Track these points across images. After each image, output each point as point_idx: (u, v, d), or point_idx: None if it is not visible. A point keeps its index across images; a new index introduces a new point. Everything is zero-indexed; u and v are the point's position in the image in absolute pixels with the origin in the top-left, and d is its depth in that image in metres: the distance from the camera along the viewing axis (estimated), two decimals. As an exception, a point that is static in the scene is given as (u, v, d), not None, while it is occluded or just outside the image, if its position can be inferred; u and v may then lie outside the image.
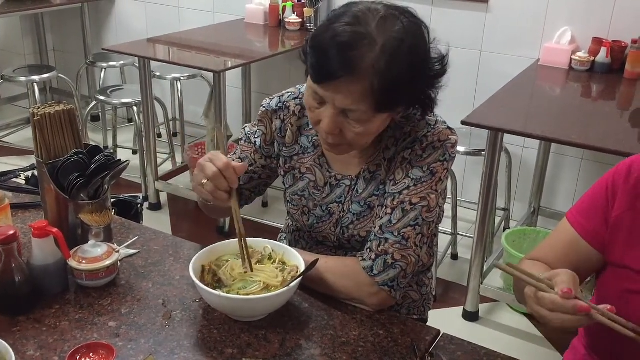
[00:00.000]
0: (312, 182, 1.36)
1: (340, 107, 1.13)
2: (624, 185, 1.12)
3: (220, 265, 1.23)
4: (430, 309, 1.51)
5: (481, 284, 2.60)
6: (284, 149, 1.38)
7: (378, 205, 1.28)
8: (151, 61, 3.24)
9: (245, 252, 1.22)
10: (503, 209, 3.26)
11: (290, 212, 1.42)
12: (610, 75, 2.85)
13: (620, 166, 1.15)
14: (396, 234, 1.22)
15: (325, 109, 1.15)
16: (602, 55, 2.84)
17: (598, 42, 2.89)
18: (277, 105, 1.38)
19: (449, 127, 1.27)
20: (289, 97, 1.37)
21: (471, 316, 2.64)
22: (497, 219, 3.20)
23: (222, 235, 3.17)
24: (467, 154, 2.93)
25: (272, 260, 1.26)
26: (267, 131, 1.39)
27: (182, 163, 3.81)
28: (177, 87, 3.96)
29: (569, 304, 0.92)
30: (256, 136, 1.40)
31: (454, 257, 3.10)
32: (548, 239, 1.27)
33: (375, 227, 1.25)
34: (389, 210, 1.24)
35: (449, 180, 3.13)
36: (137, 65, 3.30)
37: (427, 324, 1.24)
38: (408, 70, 1.10)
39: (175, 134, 4.26)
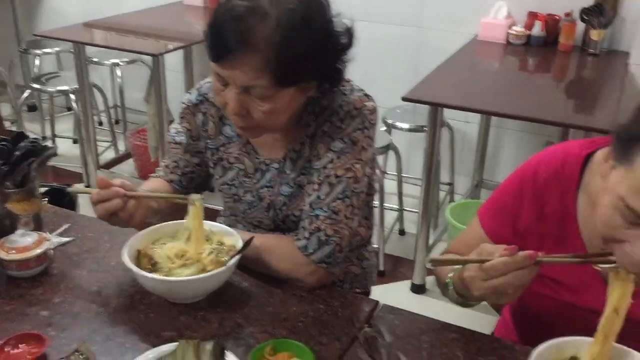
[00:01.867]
0: (242, 171, 1.34)
1: (241, 85, 1.11)
2: (531, 190, 1.10)
3: (157, 248, 1.21)
4: (373, 282, 1.52)
5: (427, 256, 2.64)
6: (208, 141, 1.36)
7: (307, 183, 1.28)
8: (89, 46, 3.14)
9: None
10: (447, 184, 3.33)
11: (223, 200, 1.41)
12: (546, 48, 2.92)
13: (526, 168, 1.12)
14: (326, 209, 1.22)
15: (228, 90, 1.13)
16: (537, 29, 2.91)
17: (533, 16, 2.95)
18: (197, 99, 1.35)
19: (365, 94, 1.26)
20: (207, 87, 1.35)
21: (419, 289, 2.69)
22: (442, 194, 3.27)
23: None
24: (409, 130, 2.96)
25: (210, 241, 1.24)
26: (191, 127, 1.37)
27: (124, 151, 3.73)
28: (116, 73, 3.85)
29: (519, 257, 0.92)
30: (181, 135, 1.38)
31: (402, 232, 3.15)
32: (463, 234, 1.26)
33: (305, 205, 1.25)
34: (316, 187, 1.23)
35: (381, 157, 3.17)
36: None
37: (375, 297, 1.25)
38: (307, 42, 1.08)
39: (117, 122, 4.15)
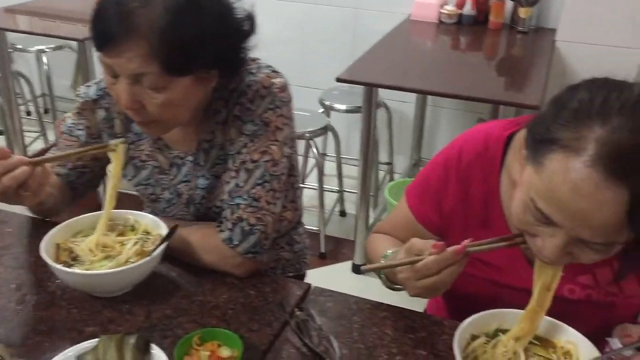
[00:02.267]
0: (157, 168, 1.29)
1: (130, 74, 1.04)
2: (455, 172, 1.10)
3: (77, 241, 1.17)
4: (307, 265, 1.52)
5: (367, 237, 2.66)
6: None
7: (223, 172, 1.24)
8: (11, 33, 2.99)
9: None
10: (387, 163, 3.35)
11: (142, 200, 1.36)
12: (477, 27, 2.96)
13: (450, 150, 1.12)
14: (246, 197, 1.18)
15: (119, 81, 1.06)
16: (468, 8, 2.95)
17: (464, -5, 2.99)
18: (96, 94, 1.28)
19: (273, 71, 1.22)
20: None
21: (359, 269, 2.71)
22: (382, 173, 3.29)
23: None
24: (347, 111, 2.96)
25: (135, 231, 1.20)
26: (90, 124, 1.29)
27: (54, 141, 3.58)
28: (43, 60, 3.68)
29: (448, 253, 0.92)
30: (79, 129, 1.30)
31: (342, 214, 3.16)
32: (393, 213, 1.25)
33: (225, 194, 1.21)
34: (233, 174, 1.19)
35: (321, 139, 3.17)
36: (-8, 37, 3.03)
37: (315, 279, 1.23)
38: (197, 28, 1.03)
39: (46, 111, 3.98)
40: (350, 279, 2.67)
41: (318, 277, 1.47)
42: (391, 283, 1.10)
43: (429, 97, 3.21)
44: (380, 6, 3.20)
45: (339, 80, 2.32)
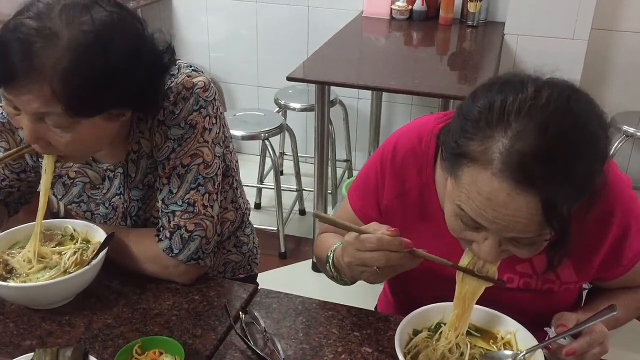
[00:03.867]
0: (88, 184, 1.25)
1: (32, 112, 0.99)
2: (390, 167, 1.11)
3: (14, 253, 1.13)
4: (257, 265, 1.50)
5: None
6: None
7: (155, 181, 1.21)
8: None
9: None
10: (345, 160, 3.36)
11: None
12: (428, 22, 2.99)
13: (386, 145, 1.12)
14: (180, 203, 1.15)
15: (22, 116, 1.01)
16: (419, 3, 2.97)
17: (414, -10, 3.01)
18: None
19: (194, 70, 1.18)
20: None
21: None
22: (340, 171, 3.30)
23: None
24: (303, 110, 2.96)
25: (74, 240, 1.18)
26: (10, 145, 1.23)
27: None
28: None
29: (396, 240, 0.93)
30: None
31: (302, 212, 3.15)
32: (337, 213, 1.26)
33: (159, 202, 1.18)
34: (165, 180, 1.16)
35: (283, 138, 3.15)
36: None
37: (275, 279, 1.21)
38: (103, 69, 0.97)
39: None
40: (311, 277, 2.66)
41: (278, 277, 1.46)
42: (335, 272, 1.10)
43: (384, 94, 3.23)
44: (333, 3, 3.20)
45: (289, 79, 2.31)
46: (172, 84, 1.14)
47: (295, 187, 3.08)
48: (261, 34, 3.39)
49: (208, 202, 1.17)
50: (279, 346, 1.02)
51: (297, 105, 2.94)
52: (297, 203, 3.13)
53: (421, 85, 2.32)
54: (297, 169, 3.03)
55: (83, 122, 1.01)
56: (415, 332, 0.99)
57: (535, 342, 0.95)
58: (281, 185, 2.82)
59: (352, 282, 1.13)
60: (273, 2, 3.29)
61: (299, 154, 3.03)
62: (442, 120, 1.09)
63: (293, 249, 2.87)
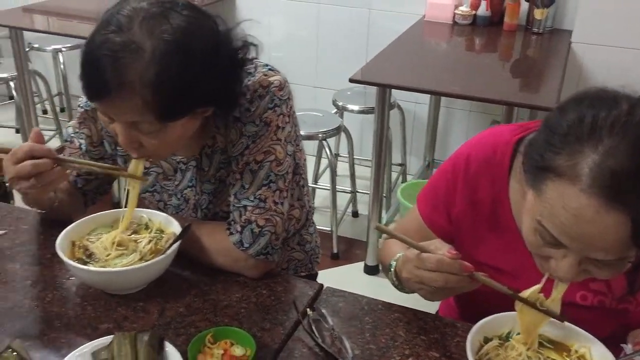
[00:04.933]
0: (161, 174, 1.29)
1: (125, 121, 1.04)
2: (463, 176, 1.10)
3: (93, 239, 1.18)
4: (318, 263, 1.52)
5: (380, 237, 2.67)
6: (118, 148, 1.28)
7: (227, 176, 1.23)
8: (29, 32, 3.02)
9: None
10: (400, 164, 3.35)
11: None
12: (491, 28, 2.95)
13: (459, 155, 1.12)
14: (252, 199, 1.17)
15: (115, 124, 1.05)
16: (483, 9, 2.94)
17: (478, -5, 2.98)
18: None
19: (270, 69, 1.20)
20: None
21: (372, 270, 2.71)
22: (395, 174, 3.29)
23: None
24: (360, 112, 2.97)
25: (149, 230, 1.21)
26: (91, 133, 1.29)
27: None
28: (60, 59, 3.72)
29: (456, 263, 0.93)
30: (80, 139, 1.30)
31: (355, 214, 3.16)
32: (405, 219, 1.25)
33: (231, 197, 1.21)
34: (237, 176, 1.18)
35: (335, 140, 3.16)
36: (10, 36, 3.06)
37: (328, 280, 1.23)
38: (187, 75, 1.00)
39: (62, 109, 4.02)
40: (363, 279, 2.67)
41: (330, 277, 1.47)
42: (397, 280, 1.10)
43: (443, 99, 3.21)
44: (394, 7, 3.19)
45: (352, 80, 2.32)
46: (249, 82, 1.17)
47: (349, 189, 3.09)
48: (321, 36, 3.41)
49: (279, 199, 1.19)
50: (347, 345, 1.03)
51: (355, 107, 2.95)
52: (351, 205, 3.13)
53: (482, 91, 2.29)
54: (352, 171, 3.04)
55: (171, 126, 1.06)
56: (486, 340, 0.98)
57: (611, 357, 0.92)
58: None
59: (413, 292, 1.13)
60: (334, 4, 3.31)
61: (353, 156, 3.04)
62: (518, 131, 1.08)
63: (345, 251, 2.88)
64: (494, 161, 1.08)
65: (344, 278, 2.64)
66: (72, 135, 1.32)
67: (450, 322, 1.11)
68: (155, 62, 0.97)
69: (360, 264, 2.74)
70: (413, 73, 2.52)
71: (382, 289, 1.24)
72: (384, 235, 1.26)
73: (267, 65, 1.22)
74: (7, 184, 1.57)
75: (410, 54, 2.74)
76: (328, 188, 2.89)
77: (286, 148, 1.20)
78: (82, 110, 1.29)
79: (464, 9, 2.96)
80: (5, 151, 1.10)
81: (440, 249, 0.95)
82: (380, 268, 2.63)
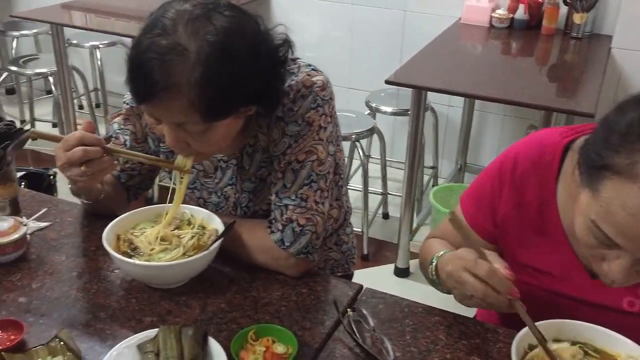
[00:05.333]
0: (201, 172, 1.30)
1: (172, 122, 1.06)
2: (510, 178, 1.09)
3: (137, 233, 1.20)
4: (354, 264, 1.52)
5: (411, 240, 2.66)
6: (161, 144, 1.30)
7: (268, 174, 1.24)
8: (67, 28, 3.08)
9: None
10: (431, 167, 3.33)
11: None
12: (529, 32, 2.92)
13: (506, 157, 1.11)
14: (294, 198, 1.18)
15: (163, 125, 1.08)
16: (521, 12, 2.90)
17: (516, -1, 2.94)
18: None
19: (313, 69, 1.20)
20: None
21: (402, 272, 2.70)
22: (426, 177, 3.27)
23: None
24: (394, 114, 2.96)
25: (191, 225, 1.23)
26: (136, 129, 1.31)
27: (105, 135, 3.68)
28: (97, 56, 3.79)
29: (507, 282, 0.93)
30: (125, 135, 1.32)
31: (385, 216, 3.15)
32: (445, 221, 1.23)
33: (272, 195, 1.21)
34: (279, 175, 1.19)
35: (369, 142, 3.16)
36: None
37: (358, 281, 1.24)
38: (231, 75, 1.02)
39: (98, 105, 4.09)
40: (394, 282, 2.66)
41: (361, 279, 1.47)
42: (435, 277, 1.09)
43: (477, 102, 3.18)
44: (430, 9, 3.18)
45: (388, 82, 2.31)
46: (293, 82, 1.17)
47: (380, 191, 3.08)
48: (355, 36, 3.41)
49: (320, 198, 1.20)
50: (388, 346, 1.03)
51: (389, 109, 2.94)
52: (381, 206, 3.12)
53: (518, 95, 2.27)
54: (383, 173, 3.03)
55: (216, 125, 1.07)
56: (531, 347, 0.97)
57: (660, 369, 0.91)
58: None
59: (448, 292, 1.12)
60: (369, 5, 3.30)
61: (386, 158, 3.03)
62: (568, 134, 1.06)
63: (375, 252, 2.88)
64: (542, 163, 1.07)
65: (374, 280, 2.59)
66: (118, 131, 1.34)
67: (492, 327, 1.10)
68: (201, 63, 0.99)
69: (391, 266, 2.73)
70: (448, 75, 2.50)
71: (412, 292, 1.24)
72: (416, 237, 1.26)
73: (310, 65, 1.22)
74: (52, 177, 1.61)
75: (446, 57, 2.72)
76: (359, 189, 2.88)
77: (328, 148, 1.20)
78: (128, 106, 1.32)
79: (501, 12, 2.93)
80: (58, 139, 1.13)
81: (496, 263, 0.95)
82: (417, 266, 2.62)
